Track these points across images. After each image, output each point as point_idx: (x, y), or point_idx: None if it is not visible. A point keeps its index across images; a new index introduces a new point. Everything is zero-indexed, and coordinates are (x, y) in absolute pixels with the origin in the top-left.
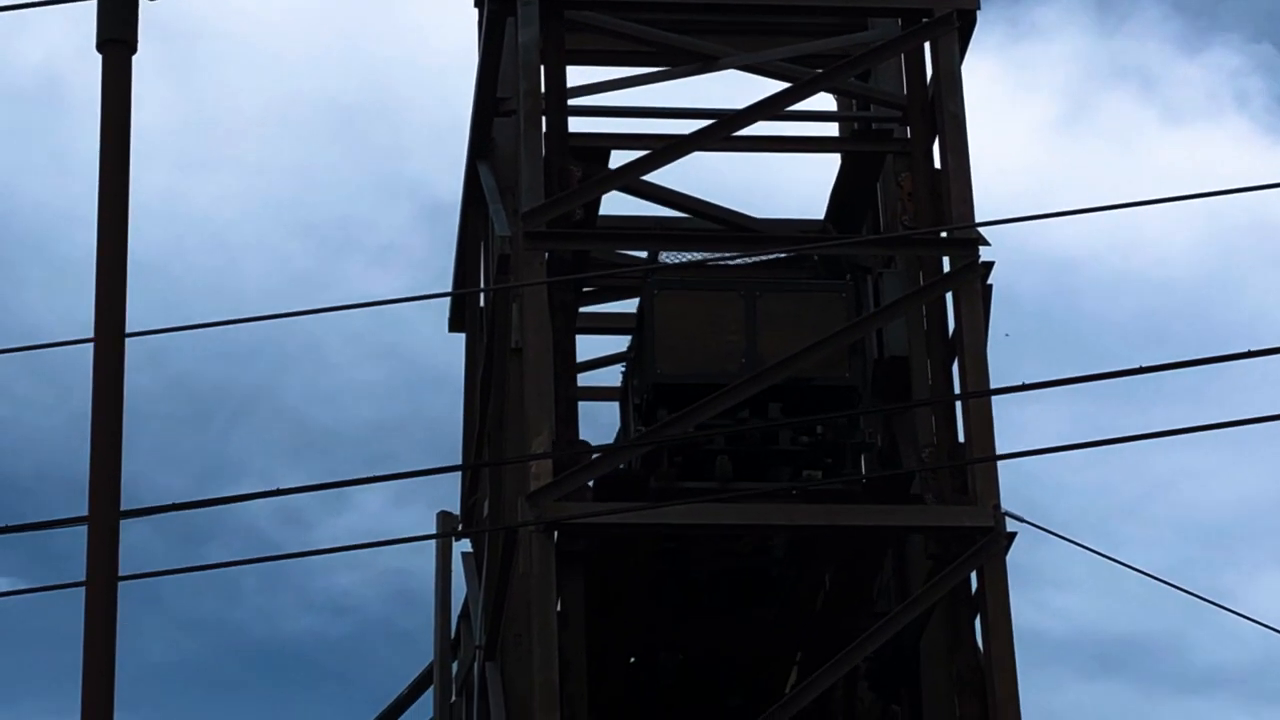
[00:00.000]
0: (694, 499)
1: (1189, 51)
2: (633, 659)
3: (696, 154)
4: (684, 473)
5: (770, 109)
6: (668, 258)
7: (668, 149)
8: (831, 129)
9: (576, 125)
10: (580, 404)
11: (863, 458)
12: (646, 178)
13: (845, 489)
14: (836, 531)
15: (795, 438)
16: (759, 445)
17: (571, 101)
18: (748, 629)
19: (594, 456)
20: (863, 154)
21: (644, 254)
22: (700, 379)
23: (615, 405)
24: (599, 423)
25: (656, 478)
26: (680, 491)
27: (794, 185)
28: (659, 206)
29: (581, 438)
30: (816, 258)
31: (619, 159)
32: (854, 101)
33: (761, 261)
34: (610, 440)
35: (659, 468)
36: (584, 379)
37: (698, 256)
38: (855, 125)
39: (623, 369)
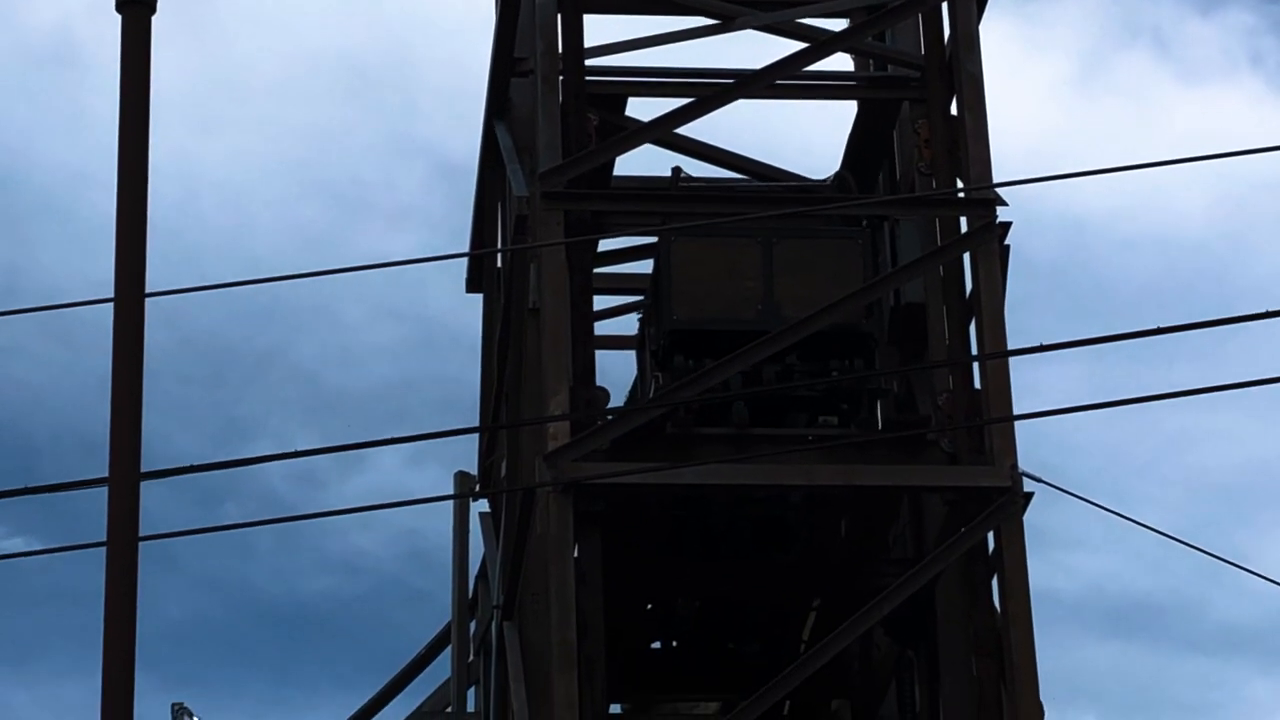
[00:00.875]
0: (711, 456)
1: (1203, 11)
2: (650, 606)
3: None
4: (700, 419)
5: (787, 69)
6: None
7: (684, 110)
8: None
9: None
10: (596, 356)
11: (879, 403)
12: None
13: (861, 438)
14: (854, 488)
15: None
16: (775, 391)
17: (589, 61)
18: (765, 575)
19: (610, 418)
20: (879, 101)
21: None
22: (717, 325)
23: (630, 361)
24: (613, 379)
25: (673, 424)
26: (697, 438)
27: (810, 140)
28: (675, 160)
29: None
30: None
31: (635, 107)
32: (871, 61)
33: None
34: (624, 395)
35: (675, 414)
36: (600, 327)
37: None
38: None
39: (639, 316)
